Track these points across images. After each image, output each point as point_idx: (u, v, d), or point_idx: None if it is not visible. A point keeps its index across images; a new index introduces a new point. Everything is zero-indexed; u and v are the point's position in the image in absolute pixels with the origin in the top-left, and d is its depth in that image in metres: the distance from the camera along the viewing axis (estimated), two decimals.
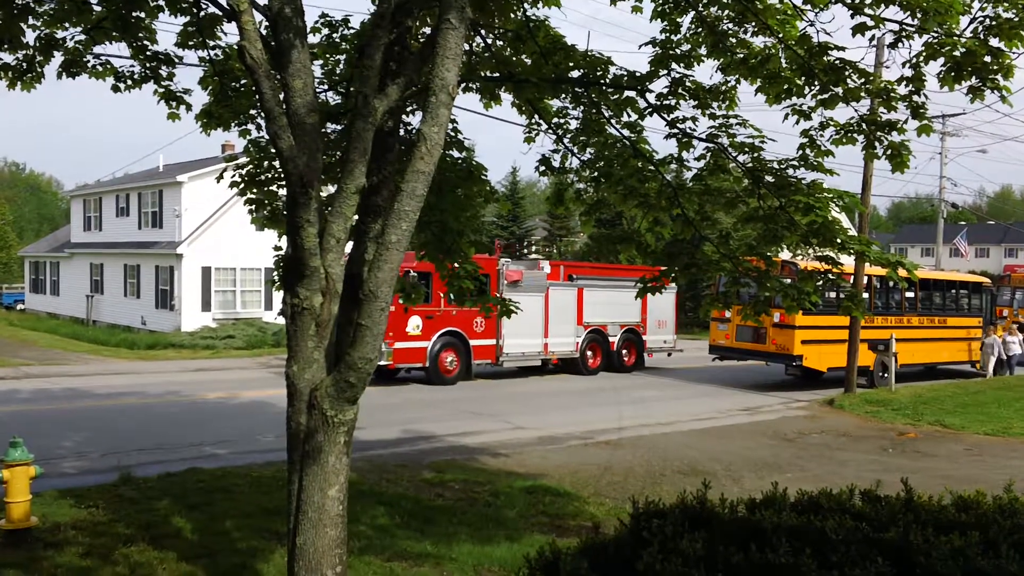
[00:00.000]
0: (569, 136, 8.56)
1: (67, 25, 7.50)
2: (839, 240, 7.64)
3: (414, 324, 21.64)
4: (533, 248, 58.10)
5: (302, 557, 5.55)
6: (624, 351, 26.79)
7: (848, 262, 8.54)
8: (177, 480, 10.67)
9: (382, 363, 20.02)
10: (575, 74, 8.02)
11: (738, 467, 13.04)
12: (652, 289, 8.58)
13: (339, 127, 8.25)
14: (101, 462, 12.09)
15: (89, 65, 7.99)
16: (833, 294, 21.83)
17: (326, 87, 8.48)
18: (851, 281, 20.57)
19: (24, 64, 7.62)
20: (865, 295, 22.17)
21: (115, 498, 9.71)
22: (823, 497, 5.25)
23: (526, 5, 7.78)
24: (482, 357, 23.32)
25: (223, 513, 9.21)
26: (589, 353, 25.89)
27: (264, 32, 6.02)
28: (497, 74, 8.01)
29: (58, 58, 7.75)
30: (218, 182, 8.88)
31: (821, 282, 8.19)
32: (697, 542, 4.42)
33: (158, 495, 9.89)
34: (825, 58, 7.33)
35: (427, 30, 7.47)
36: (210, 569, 7.45)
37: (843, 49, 7.30)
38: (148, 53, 8.00)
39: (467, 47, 7.65)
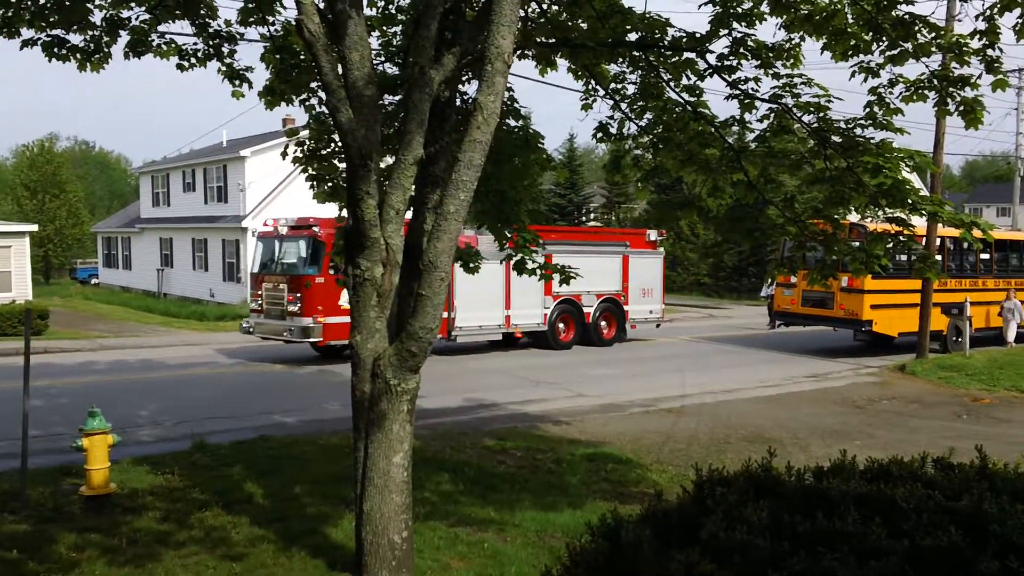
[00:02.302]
0: (626, 101, 8.46)
1: (132, 5, 7.63)
2: (910, 201, 7.43)
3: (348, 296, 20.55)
4: (592, 215, 57.76)
5: (369, 522, 5.64)
6: (603, 323, 24.50)
7: (919, 223, 8.31)
8: (248, 447, 10.91)
9: (312, 340, 19.64)
10: (632, 37, 7.89)
11: (805, 435, 12.87)
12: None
13: (396, 99, 8.26)
14: (175, 430, 12.42)
15: (154, 44, 8.12)
16: (904, 257, 21.46)
17: (383, 59, 8.49)
18: (923, 243, 20.06)
19: (92, 45, 7.76)
20: (938, 257, 21.56)
21: (189, 465, 9.97)
22: (893, 465, 5.14)
23: None
24: None
25: (293, 479, 9.40)
26: (561, 326, 23.65)
27: (321, 6, 6.04)
28: (553, 40, 7.93)
29: (124, 38, 7.89)
30: (283, 158, 8.98)
31: (891, 244, 7.97)
32: (762, 510, 4.36)
33: (230, 462, 10.13)
34: (893, 13, 7.10)
35: None
36: (281, 533, 7.61)
37: (912, 3, 7.07)
38: (210, 31, 8.10)
39: (522, 13, 7.58)
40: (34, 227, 31.12)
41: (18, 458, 8.66)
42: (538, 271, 8.98)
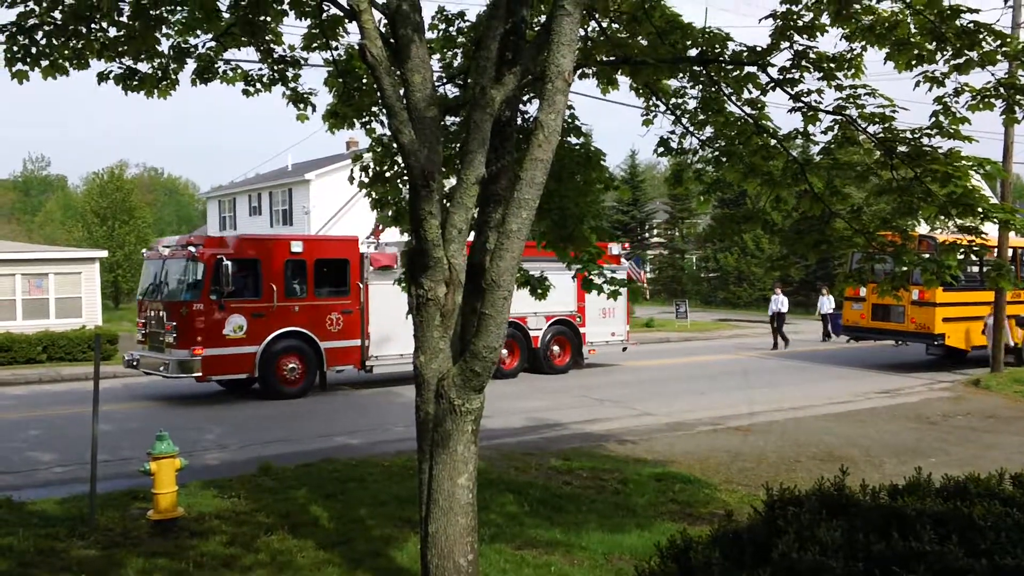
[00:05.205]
0: (687, 116, 8.41)
1: (198, 33, 7.83)
2: (981, 209, 7.26)
3: (235, 325, 17.29)
4: (655, 231, 57.47)
5: (434, 545, 5.64)
6: (555, 347, 21.99)
7: (991, 233, 8.12)
8: (313, 470, 11.01)
9: (190, 375, 17.03)
10: (693, 53, 7.85)
11: (878, 452, 12.58)
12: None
13: (457, 119, 8.33)
14: (241, 453, 12.60)
15: (220, 71, 8.32)
16: (975, 268, 20.92)
17: (444, 81, 8.57)
18: (994, 254, 19.53)
19: (159, 72, 7.97)
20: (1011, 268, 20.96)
21: (255, 488, 10.09)
22: (970, 482, 5.01)
23: None
24: (340, 362, 18.87)
25: (357, 501, 9.46)
26: (503, 352, 19.61)
27: (383, 30, 6.12)
28: (613, 58, 7.92)
29: (191, 65, 8.09)
30: (351, 183, 9.08)
31: (963, 254, 7.78)
32: (836, 530, 4.27)
33: (295, 484, 10.23)
34: (957, 22, 6.96)
35: (542, 18, 7.46)
36: (346, 556, 7.66)
37: (976, 11, 6.91)
38: (275, 56, 8.27)
39: (582, 32, 7.60)
40: (104, 253, 31.96)
41: (88, 483, 8.84)
42: (605, 287, 8.90)
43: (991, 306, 21.61)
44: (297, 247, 18.23)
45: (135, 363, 18.36)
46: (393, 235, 21.04)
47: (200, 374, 17.07)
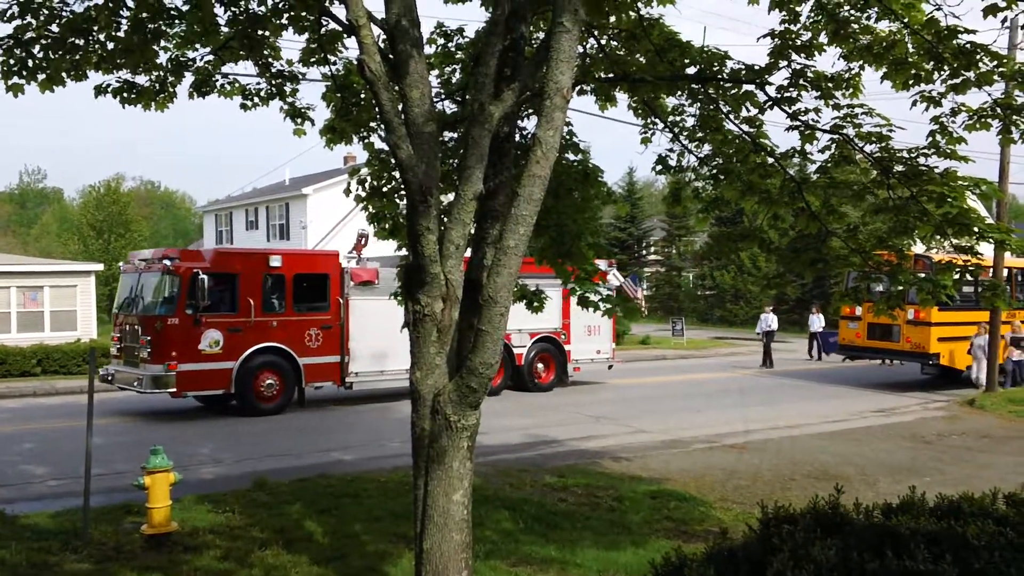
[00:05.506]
0: (686, 134, 8.43)
1: (197, 46, 7.84)
2: (977, 229, 7.28)
3: (211, 340, 17.06)
4: (652, 248, 57.59)
5: (428, 561, 5.61)
6: (539, 365, 21.72)
7: (986, 254, 8.17)
8: (308, 485, 10.98)
9: (165, 390, 16.78)
10: (691, 71, 7.89)
11: (872, 471, 12.57)
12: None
13: (456, 135, 8.35)
14: (235, 468, 12.56)
15: (218, 84, 8.33)
16: (970, 288, 20.97)
17: (442, 96, 8.59)
18: (989, 274, 19.60)
19: (157, 85, 7.98)
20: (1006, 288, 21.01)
21: (249, 503, 10.05)
22: (964, 501, 5.02)
23: (640, 4, 7.70)
24: (319, 379, 18.64)
25: (352, 517, 9.42)
26: None
27: (382, 45, 6.14)
28: (611, 75, 7.95)
29: (188, 78, 8.10)
30: (347, 196, 9.09)
31: (959, 274, 7.81)
32: (830, 549, 4.26)
33: (290, 500, 10.19)
34: (954, 42, 7.00)
35: (541, 35, 7.49)
36: (340, 571, 7.62)
37: (973, 32, 6.95)
38: (273, 71, 8.28)
39: (581, 49, 7.63)
40: (99, 266, 31.87)
41: (81, 496, 8.80)
42: (601, 305, 8.88)
43: (977, 326, 21.58)
44: (276, 261, 18.05)
45: (110, 378, 18.14)
46: (375, 250, 20.74)
47: (175, 390, 16.81)
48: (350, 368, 18.94)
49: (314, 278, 18.69)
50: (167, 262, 17.10)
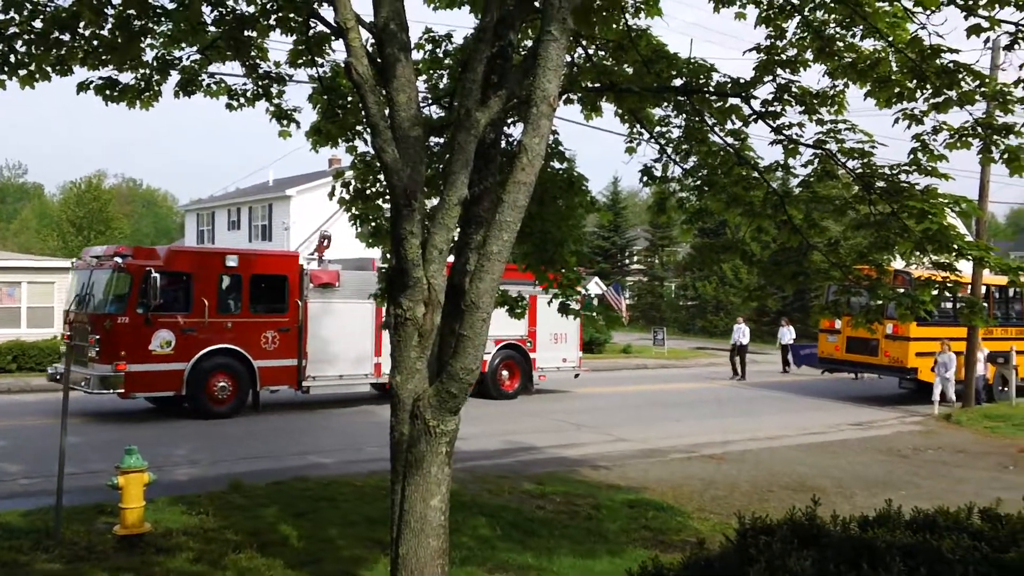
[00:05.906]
0: (671, 145, 8.48)
1: (183, 45, 7.80)
2: (956, 246, 7.36)
3: (162, 340, 16.60)
4: (635, 258, 57.75)
5: (404, 567, 5.59)
6: (503, 372, 21.41)
7: (965, 271, 8.25)
8: (284, 488, 10.91)
9: (113, 391, 16.31)
10: (677, 82, 7.94)
11: (849, 483, 12.63)
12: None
13: (442, 140, 8.35)
14: (211, 470, 12.47)
15: (204, 84, 8.29)
16: (949, 305, 21.13)
17: (429, 101, 8.60)
18: (968, 291, 19.77)
19: (142, 83, 7.94)
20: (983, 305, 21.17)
21: (224, 505, 9.97)
22: (939, 515, 5.05)
23: (627, 15, 7.74)
24: (275, 382, 18.15)
25: (328, 521, 9.38)
26: None
27: (370, 49, 6.14)
28: (598, 84, 7.98)
29: (174, 77, 8.06)
30: (330, 199, 9.05)
31: (937, 290, 7.88)
32: (806, 560, 4.28)
33: (266, 503, 10.13)
34: (937, 61, 7.07)
35: (529, 43, 7.51)
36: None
37: (956, 52, 7.03)
38: (260, 72, 8.26)
39: (568, 58, 7.65)
40: None
41: (54, 495, 8.72)
42: (583, 312, 8.92)
43: (941, 343, 21.58)
44: (232, 261, 17.70)
45: (58, 377, 16.99)
46: (337, 252, 20.48)
47: (123, 390, 16.36)
48: (307, 372, 18.52)
49: (272, 279, 18.36)
50: (119, 259, 16.65)
